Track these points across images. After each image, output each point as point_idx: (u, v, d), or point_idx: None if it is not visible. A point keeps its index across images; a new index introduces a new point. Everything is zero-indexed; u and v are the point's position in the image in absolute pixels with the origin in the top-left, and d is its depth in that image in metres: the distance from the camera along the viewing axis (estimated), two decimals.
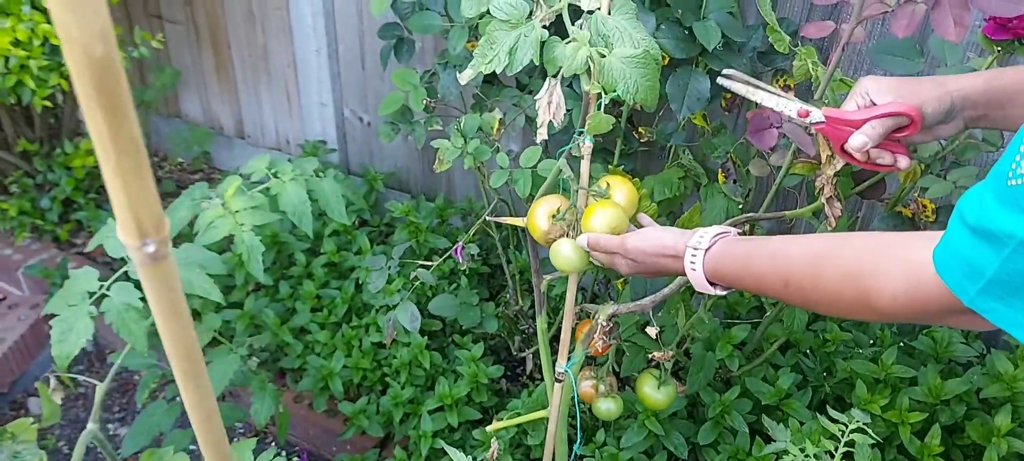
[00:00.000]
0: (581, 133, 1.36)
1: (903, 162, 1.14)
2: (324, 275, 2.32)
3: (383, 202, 2.62)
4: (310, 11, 2.64)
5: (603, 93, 1.23)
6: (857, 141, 1.11)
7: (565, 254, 1.35)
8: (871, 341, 2.03)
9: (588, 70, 1.21)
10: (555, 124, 1.26)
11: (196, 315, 2.19)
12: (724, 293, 1.10)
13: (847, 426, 1.28)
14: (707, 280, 1.06)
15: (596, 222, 1.29)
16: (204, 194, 1.65)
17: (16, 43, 2.01)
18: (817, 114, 1.18)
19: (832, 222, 1.52)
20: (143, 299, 1.35)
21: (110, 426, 2.36)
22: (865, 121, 1.10)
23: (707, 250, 1.06)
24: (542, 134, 1.27)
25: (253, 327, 2.20)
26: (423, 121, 2.07)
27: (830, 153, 1.50)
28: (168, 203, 1.99)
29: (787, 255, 0.95)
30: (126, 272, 1.38)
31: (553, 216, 1.36)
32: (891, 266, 0.82)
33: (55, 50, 2.21)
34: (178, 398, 1.84)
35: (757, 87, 1.25)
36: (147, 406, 1.77)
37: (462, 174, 2.68)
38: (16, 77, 2.03)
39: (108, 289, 1.33)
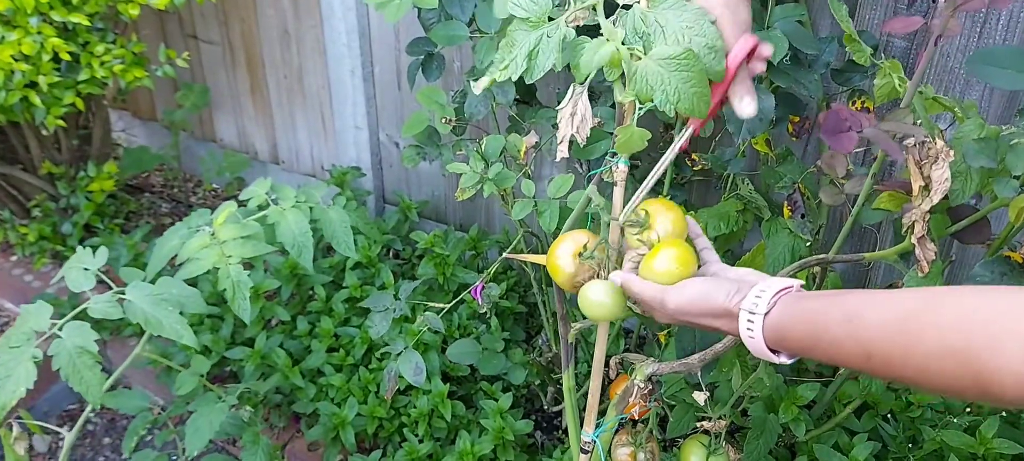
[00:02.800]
0: (613, 154, 1.14)
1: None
2: (345, 311, 2.13)
3: (417, 231, 2.43)
4: (344, 29, 2.48)
5: (638, 103, 1.01)
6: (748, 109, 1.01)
7: (596, 300, 1.12)
8: (965, 407, 1.73)
9: (621, 76, 1.00)
10: (579, 140, 1.04)
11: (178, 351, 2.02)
12: (790, 362, 0.85)
13: None
14: (769, 348, 0.83)
15: (660, 265, 1.03)
16: (203, 222, 1.48)
17: (23, 58, 1.90)
18: None
19: (924, 268, 1.25)
20: (101, 341, 1.18)
21: None
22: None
23: (767, 313, 0.82)
24: (562, 151, 1.05)
25: (265, 366, 2.02)
26: (451, 145, 1.87)
27: (923, 183, 1.24)
28: None
29: (866, 319, 0.71)
30: (85, 310, 1.20)
31: (579, 254, 1.13)
32: (1012, 339, 0.60)
33: (70, 67, 2.10)
34: (167, 448, 1.66)
35: None
36: (133, 455, 1.59)
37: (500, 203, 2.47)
38: (20, 93, 1.91)
39: (61, 328, 1.15)
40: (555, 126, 1.81)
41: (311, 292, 2.23)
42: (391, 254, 2.49)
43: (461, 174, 1.52)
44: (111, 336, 2.33)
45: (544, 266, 2.01)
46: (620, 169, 1.17)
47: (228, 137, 3.02)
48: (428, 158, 1.90)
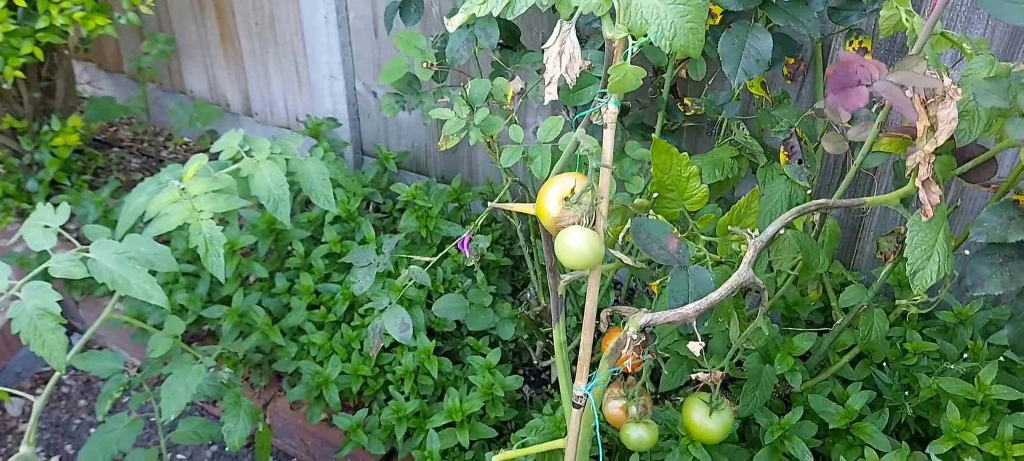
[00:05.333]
0: (603, 95, 1.07)
1: None
2: (325, 267, 2.06)
3: (396, 183, 2.35)
4: None
5: (631, 39, 0.94)
6: None
7: (573, 246, 1.07)
8: (962, 353, 1.70)
9: (611, 11, 0.92)
10: (568, 80, 0.98)
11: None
12: None
13: None
14: None
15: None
16: (173, 176, 1.40)
17: None
18: None
19: (929, 212, 1.20)
20: (69, 281, 1.10)
21: (93, 431, 2.14)
22: None
23: None
24: (551, 93, 0.99)
25: (244, 325, 1.95)
26: (432, 92, 1.79)
27: (929, 124, 1.19)
28: None
29: None
30: (45, 270, 1.13)
31: (566, 199, 1.07)
32: None
33: (27, 15, 1.98)
34: (143, 411, 1.60)
35: None
36: (107, 420, 1.53)
37: (485, 154, 2.39)
38: None
39: (20, 289, 1.08)
40: (540, 71, 1.74)
41: (289, 248, 2.16)
42: (371, 208, 2.41)
43: (443, 122, 1.44)
44: (83, 296, 2.24)
45: (532, 217, 1.95)
46: (610, 110, 1.10)
47: (198, 88, 2.91)
48: (408, 107, 1.81)
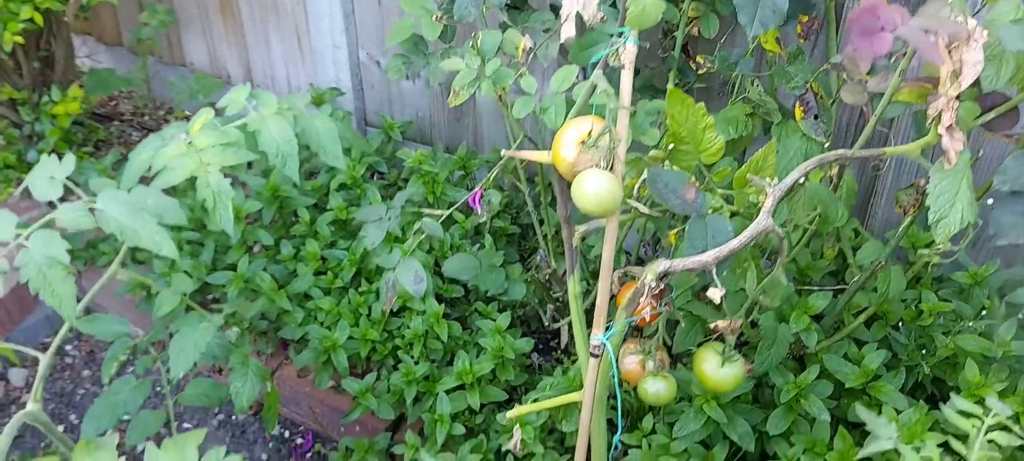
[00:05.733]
0: (620, 34, 1.05)
1: None
2: (330, 234, 2.04)
3: (401, 152, 2.33)
4: None
5: None
6: None
7: (591, 190, 1.04)
8: (978, 312, 1.68)
9: None
10: (586, 17, 0.95)
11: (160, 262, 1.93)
12: None
13: (982, 420, 0.95)
14: None
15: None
16: (177, 133, 1.37)
17: None
18: None
19: (952, 159, 1.18)
20: (71, 251, 1.08)
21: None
22: None
23: None
24: (568, 30, 0.96)
25: (249, 291, 1.93)
26: (439, 53, 1.76)
27: (953, 68, 1.16)
28: None
29: None
30: (53, 220, 1.10)
31: (583, 142, 1.05)
32: None
33: None
34: (150, 374, 1.58)
35: None
36: (113, 382, 1.51)
37: (491, 123, 2.37)
38: None
39: (27, 239, 1.05)
40: (547, 30, 1.71)
41: (294, 215, 2.13)
42: (374, 177, 2.39)
43: (448, 92, 1.41)
44: (86, 266, 2.22)
45: (543, 182, 1.93)
46: (628, 49, 1.08)
47: (199, 60, 2.88)
48: (414, 69, 1.79)
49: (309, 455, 1.99)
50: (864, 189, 1.93)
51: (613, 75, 1.12)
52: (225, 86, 2.84)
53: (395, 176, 2.35)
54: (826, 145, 1.50)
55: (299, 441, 2.02)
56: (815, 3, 1.68)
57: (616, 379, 1.15)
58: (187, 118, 2.91)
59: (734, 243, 1.12)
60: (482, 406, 1.73)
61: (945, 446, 1.25)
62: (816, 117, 1.53)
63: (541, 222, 1.96)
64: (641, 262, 2.17)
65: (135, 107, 2.96)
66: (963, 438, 1.12)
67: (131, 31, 2.74)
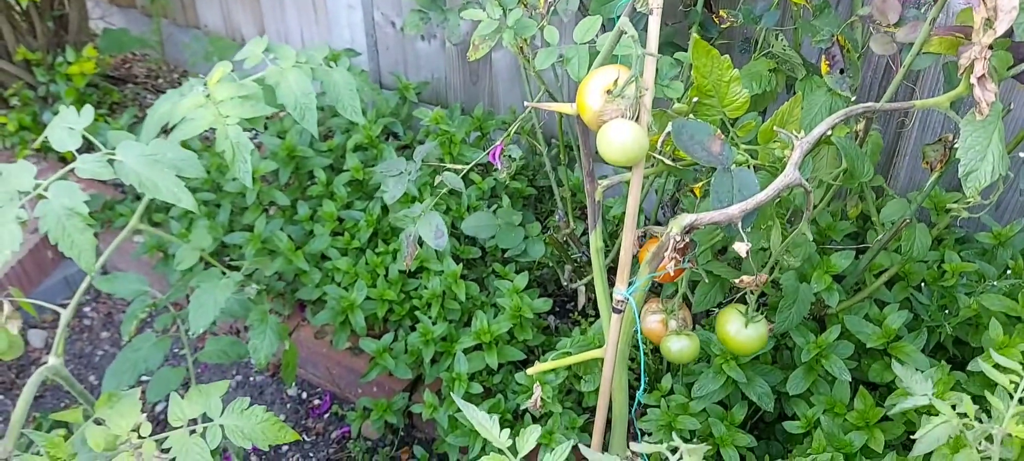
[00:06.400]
0: None
1: None
2: (347, 194, 2.03)
3: (416, 113, 2.31)
4: None
5: None
6: None
7: (617, 140, 1.03)
8: (1002, 272, 1.66)
9: None
10: None
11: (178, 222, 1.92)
12: None
13: (1022, 375, 0.93)
14: None
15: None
16: (197, 84, 1.36)
17: None
18: None
19: (984, 109, 1.15)
20: (89, 202, 1.07)
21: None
22: None
23: None
24: None
25: (266, 252, 1.93)
26: (458, 8, 1.73)
27: (987, 15, 1.13)
28: None
29: None
30: (72, 169, 1.09)
31: (609, 91, 1.03)
32: None
33: None
34: (169, 331, 1.58)
35: None
36: (133, 339, 1.51)
37: (507, 85, 2.34)
38: None
39: (46, 189, 1.05)
40: None
41: (310, 176, 2.12)
42: (389, 139, 2.37)
43: (473, 27, 1.39)
44: (103, 227, 2.22)
45: (563, 145, 1.91)
46: None
47: (213, 22, 2.85)
48: (431, 28, 1.76)
49: (327, 415, 2.00)
50: (887, 148, 1.90)
51: (638, 22, 1.10)
52: (240, 48, 2.82)
53: (410, 138, 2.33)
54: (852, 100, 1.47)
55: (317, 402, 2.03)
56: None
57: (639, 336, 1.14)
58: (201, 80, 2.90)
59: (761, 196, 1.10)
60: (500, 366, 1.73)
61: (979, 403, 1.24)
62: (842, 71, 1.50)
63: (559, 184, 1.94)
64: (660, 225, 2.15)
65: (149, 69, 2.95)
66: (988, 395, 1.10)
67: None
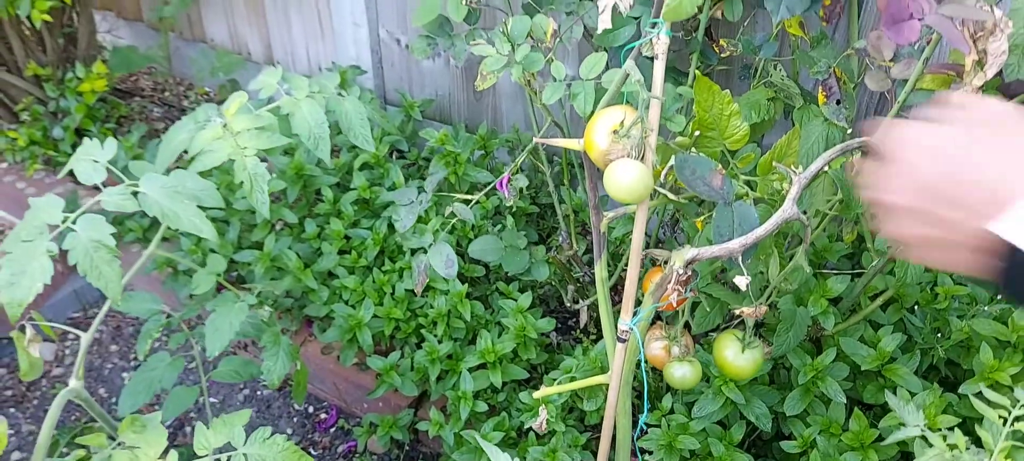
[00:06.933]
0: (654, 25, 1.07)
1: None
2: (354, 213, 2.07)
3: (422, 132, 2.35)
4: None
5: None
6: None
7: (624, 179, 1.07)
8: (992, 296, 1.71)
9: None
10: (622, 7, 0.97)
11: (198, 252, 1.96)
12: None
13: (1009, 409, 0.98)
14: None
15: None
16: (210, 116, 1.40)
17: None
18: None
19: None
20: (115, 235, 1.11)
21: (125, 376, 2.17)
22: None
23: None
24: (605, 21, 0.98)
25: (275, 270, 1.97)
26: (464, 35, 1.78)
27: (977, 58, 1.18)
28: None
29: None
30: (98, 202, 1.13)
31: (615, 131, 1.07)
32: None
33: None
34: (184, 350, 1.62)
35: None
36: (148, 358, 1.55)
37: (510, 102, 2.39)
38: None
39: (74, 222, 1.09)
40: (570, 13, 1.72)
41: (317, 194, 2.16)
42: (394, 155, 2.41)
43: (470, 67, 1.43)
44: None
45: (566, 163, 1.95)
46: (661, 40, 1.10)
47: (219, 37, 2.90)
48: (439, 49, 1.81)
49: (333, 430, 2.04)
50: None
51: (644, 64, 1.14)
52: (246, 62, 2.86)
53: (415, 155, 2.37)
54: (848, 130, 1.52)
55: (323, 416, 2.07)
56: None
57: (643, 364, 1.19)
58: (207, 94, 2.94)
59: (760, 231, 1.15)
60: (504, 384, 1.77)
61: (967, 432, 1.28)
62: (838, 102, 1.54)
63: (561, 202, 1.98)
64: (660, 243, 2.20)
65: (155, 83, 2.99)
66: (979, 420, 1.15)
67: (153, 9, 2.76)
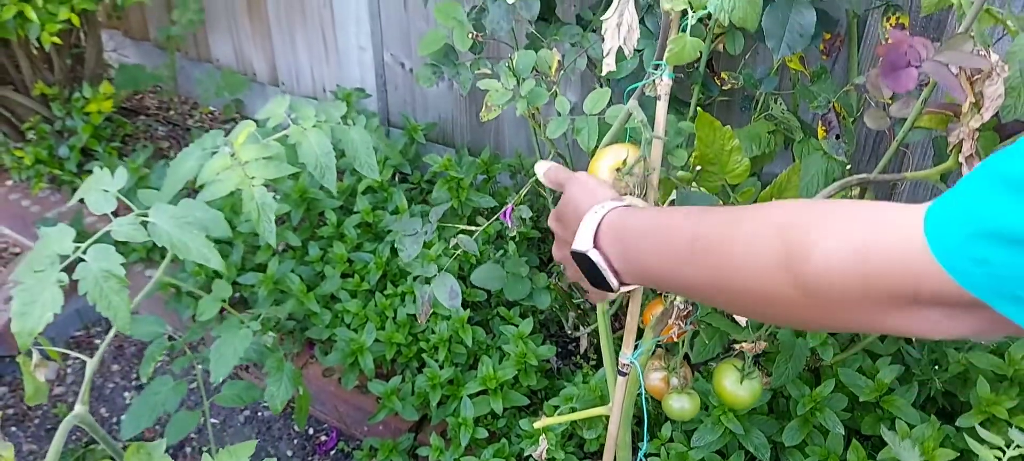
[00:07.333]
0: (657, 66, 1.09)
1: None
2: (357, 236, 2.09)
3: (425, 156, 2.37)
4: None
5: (690, 10, 0.95)
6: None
7: None
8: None
9: None
10: (626, 51, 0.99)
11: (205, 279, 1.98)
12: (603, 266, 0.77)
13: (1004, 450, 0.99)
14: (595, 238, 0.78)
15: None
16: (217, 143, 1.42)
17: None
18: None
19: None
20: (125, 265, 1.13)
21: (127, 395, 2.18)
22: None
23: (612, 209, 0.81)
24: (609, 64, 1.00)
25: (278, 292, 1.98)
26: (469, 63, 1.80)
27: (974, 100, 1.20)
28: None
29: (708, 211, 0.71)
30: (108, 232, 1.15)
31: (618, 169, 1.09)
32: (843, 220, 0.56)
33: None
34: (187, 373, 1.63)
35: None
36: (151, 382, 1.56)
37: (513, 126, 2.41)
38: (15, 8, 1.81)
39: (85, 252, 1.10)
40: (574, 44, 1.75)
41: (321, 217, 2.18)
42: (397, 178, 2.43)
43: (475, 93, 1.45)
44: None
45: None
46: (664, 83, 1.12)
47: (225, 57, 2.92)
48: (445, 78, 1.83)
49: (333, 452, 2.05)
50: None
51: (647, 101, 1.16)
52: (250, 83, 2.88)
53: (418, 177, 2.39)
54: (847, 165, 1.54)
55: (323, 438, 2.08)
56: (838, 21, 1.71)
57: (643, 397, 1.20)
58: (212, 113, 2.96)
59: None
60: (504, 410, 1.78)
61: None
62: (838, 137, 1.56)
63: None
64: None
65: (161, 102, 3.01)
66: (977, 455, 1.16)
67: (159, 29, 2.78)
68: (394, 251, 2.04)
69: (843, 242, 0.55)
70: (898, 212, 0.53)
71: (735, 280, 0.63)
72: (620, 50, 1.16)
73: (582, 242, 0.78)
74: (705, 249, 0.66)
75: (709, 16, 1.04)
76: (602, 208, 0.79)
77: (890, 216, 0.53)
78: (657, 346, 1.52)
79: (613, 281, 0.77)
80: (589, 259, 0.77)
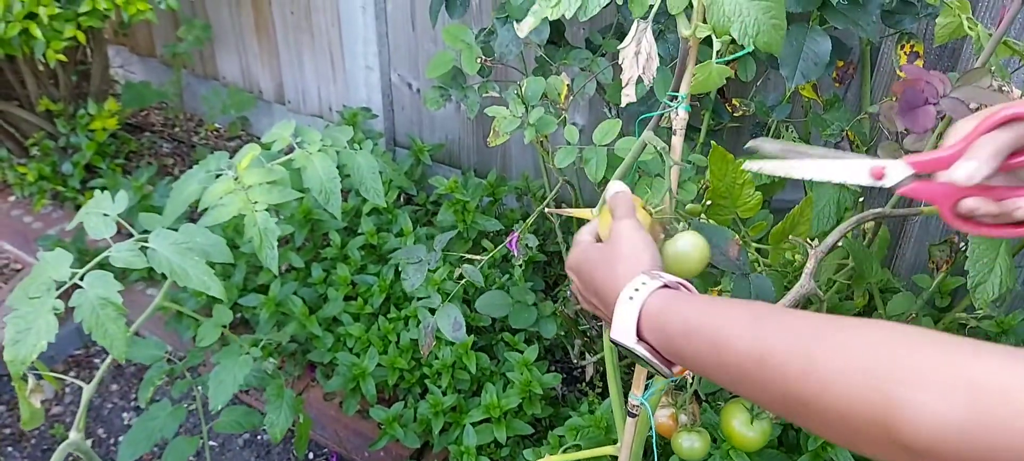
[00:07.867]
0: (675, 97, 1.06)
1: None
2: (361, 258, 2.06)
3: (431, 177, 2.35)
4: None
5: (714, 36, 0.93)
6: (963, 170, 0.65)
7: (693, 252, 1.00)
8: None
9: (688, 6, 0.91)
10: (645, 81, 0.97)
11: (203, 302, 1.95)
12: (652, 359, 0.71)
13: None
14: (637, 327, 0.71)
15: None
16: (221, 166, 1.40)
17: None
18: (899, 168, 0.73)
19: None
20: (125, 286, 1.10)
21: (125, 416, 2.15)
22: (969, 146, 0.67)
23: (664, 287, 0.73)
24: (628, 95, 0.98)
25: (280, 314, 1.95)
26: (477, 86, 1.78)
27: None
28: None
29: (766, 317, 0.62)
30: (107, 258, 1.13)
31: (650, 206, 1.05)
32: (939, 379, 0.51)
33: None
34: (187, 397, 1.60)
35: (802, 154, 0.81)
36: (150, 406, 1.53)
37: (520, 148, 2.39)
38: (20, 25, 1.80)
39: (82, 279, 1.08)
40: (584, 69, 1.73)
41: (325, 238, 2.16)
42: (402, 199, 2.41)
43: (494, 118, 1.43)
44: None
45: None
46: (680, 116, 1.09)
47: (231, 75, 2.91)
48: (453, 100, 1.81)
49: None
50: (893, 231, 1.93)
51: (658, 133, 1.13)
52: (257, 101, 2.87)
53: (424, 198, 2.37)
54: (860, 197, 1.51)
55: None
56: (851, 48, 1.69)
57: (653, 438, 1.17)
58: (217, 131, 2.95)
59: (785, 302, 1.13)
60: (507, 439, 1.75)
61: None
62: None
63: (569, 249, 1.97)
64: None
65: (166, 118, 3.00)
66: None
67: (166, 46, 2.77)
68: (398, 274, 2.01)
69: (948, 412, 0.50)
70: (997, 372, 0.48)
71: (818, 424, 0.57)
72: (641, 80, 1.14)
73: (623, 333, 0.71)
74: (777, 378, 0.59)
75: (732, 42, 1.01)
76: (642, 289, 0.71)
77: (992, 380, 0.48)
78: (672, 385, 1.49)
79: (665, 371, 0.72)
80: (635, 352, 0.71)
